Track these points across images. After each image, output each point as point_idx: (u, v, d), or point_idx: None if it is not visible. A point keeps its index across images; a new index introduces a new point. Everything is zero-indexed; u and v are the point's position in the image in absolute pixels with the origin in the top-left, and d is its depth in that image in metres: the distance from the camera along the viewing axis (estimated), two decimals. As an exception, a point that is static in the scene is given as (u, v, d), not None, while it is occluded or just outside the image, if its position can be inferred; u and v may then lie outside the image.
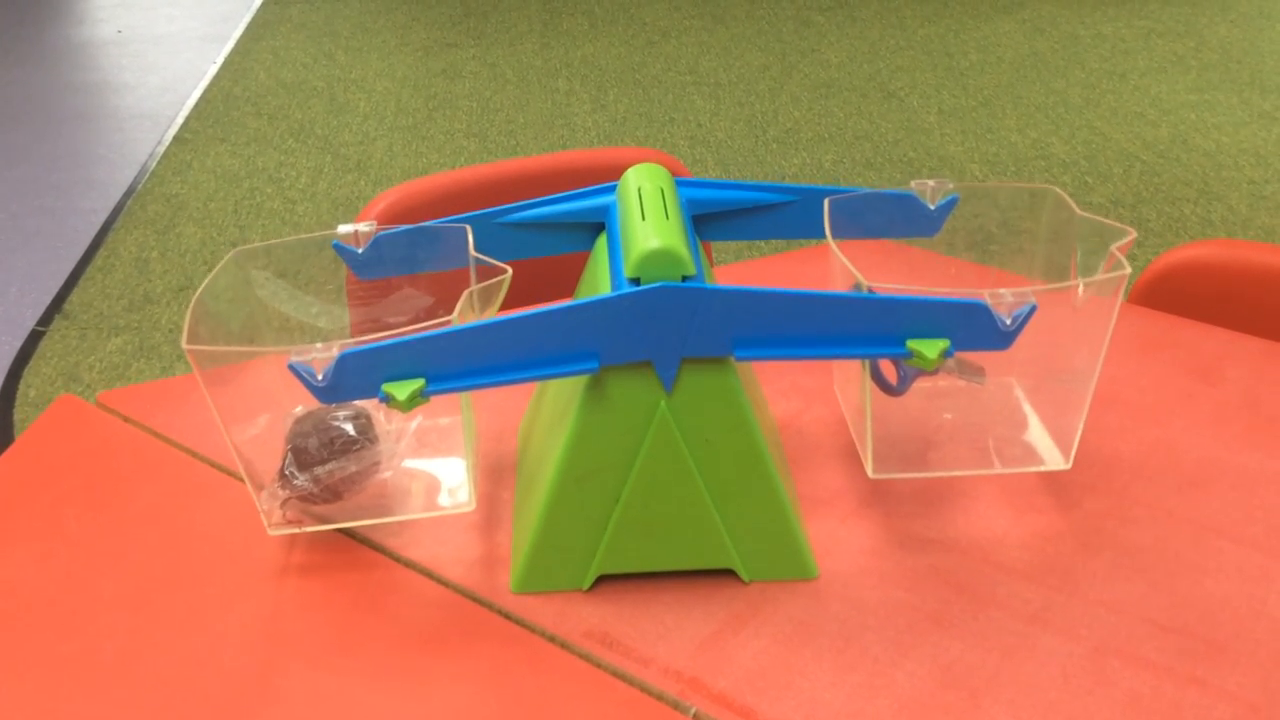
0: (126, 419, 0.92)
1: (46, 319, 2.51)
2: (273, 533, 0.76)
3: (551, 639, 0.71)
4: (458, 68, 4.04)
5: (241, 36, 4.44)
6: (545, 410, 0.80)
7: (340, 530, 0.79)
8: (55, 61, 4.27)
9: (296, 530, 0.78)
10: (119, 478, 0.86)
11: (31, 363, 2.35)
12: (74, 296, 2.60)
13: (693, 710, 0.66)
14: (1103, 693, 0.66)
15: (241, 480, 0.83)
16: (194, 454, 0.88)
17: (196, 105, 3.75)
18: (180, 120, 3.63)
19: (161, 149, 3.41)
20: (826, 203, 0.79)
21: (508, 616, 0.72)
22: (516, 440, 0.88)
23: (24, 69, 4.18)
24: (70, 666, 0.69)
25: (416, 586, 0.75)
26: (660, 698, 0.67)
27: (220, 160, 3.31)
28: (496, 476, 0.84)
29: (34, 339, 2.44)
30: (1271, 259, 1.10)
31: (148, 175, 3.23)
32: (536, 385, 0.87)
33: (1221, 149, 3.27)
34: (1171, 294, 1.11)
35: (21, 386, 2.27)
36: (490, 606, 0.73)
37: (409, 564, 0.77)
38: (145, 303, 2.55)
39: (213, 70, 4.08)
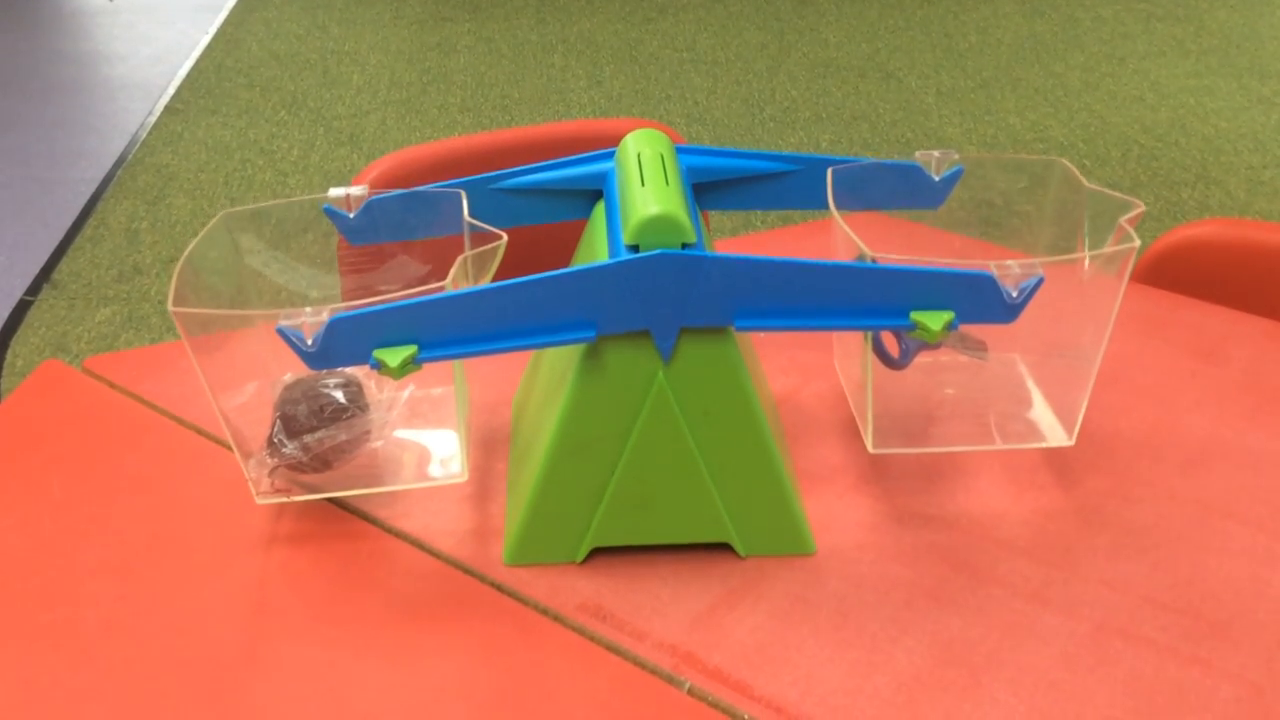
0: (112, 385, 0.90)
1: (35, 288, 2.48)
2: (260, 501, 0.75)
3: (544, 612, 0.69)
4: (452, 42, 4.00)
5: (234, 7, 4.39)
6: (540, 381, 0.79)
7: (330, 500, 0.78)
8: (46, 30, 4.22)
9: (285, 499, 0.76)
10: (104, 444, 0.84)
11: (19, 332, 2.33)
12: (63, 266, 2.57)
13: (687, 685, 0.65)
14: (1104, 672, 0.65)
15: (229, 448, 0.81)
16: (181, 421, 0.86)
17: (188, 76, 3.71)
18: (171, 91, 3.59)
19: (152, 119, 3.38)
20: (830, 173, 0.78)
21: (500, 589, 0.71)
22: (510, 411, 0.86)
23: (14, 37, 4.13)
24: (53, 635, 0.68)
25: (407, 558, 0.73)
26: (654, 672, 0.65)
27: (211, 131, 3.28)
28: (490, 447, 0.83)
29: (22, 308, 2.41)
30: (1275, 238, 1.09)
31: (138, 145, 3.20)
32: (531, 355, 0.86)
33: (1220, 134, 3.26)
34: (1174, 273, 1.10)
35: (9, 356, 2.25)
36: (482, 578, 0.72)
37: (400, 535, 0.75)
38: (134, 273, 2.53)
39: (205, 41, 4.04)
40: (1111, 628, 0.68)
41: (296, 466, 0.75)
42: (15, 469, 0.82)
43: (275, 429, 0.74)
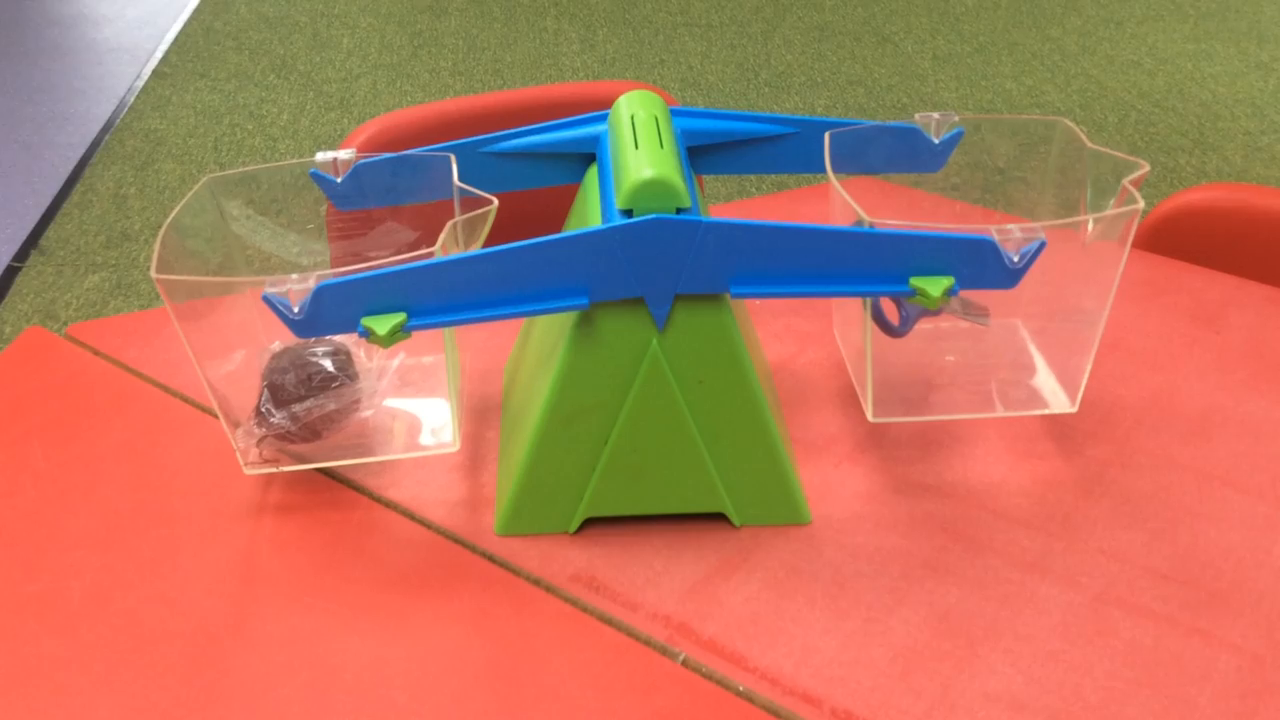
0: (96, 352, 0.89)
1: (22, 255, 2.46)
2: (249, 472, 0.74)
3: (536, 582, 0.68)
4: (444, 4, 3.95)
5: (222, -31, 4.33)
6: (532, 348, 0.77)
7: (319, 469, 0.76)
8: (31, -8, 4.16)
9: (273, 469, 0.75)
10: (89, 412, 0.83)
11: (7, 299, 2.30)
12: (50, 232, 2.54)
13: (681, 656, 0.64)
14: (1103, 642, 0.64)
15: (215, 416, 0.80)
16: (166, 389, 0.85)
17: (176, 39, 3.67)
18: (159, 54, 3.55)
19: (140, 84, 3.33)
20: (827, 137, 0.76)
21: (491, 559, 0.70)
22: (501, 379, 0.85)
23: (-2, -1, 4.07)
24: (37, 606, 0.67)
25: (398, 527, 0.72)
26: (648, 643, 0.65)
27: (200, 96, 3.24)
28: (481, 416, 0.82)
29: (9, 275, 2.39)
30: (1276, 204, 1.08)
31: (126, 110, 3.16)
32: (523, 323, 0.84)
33: (1218, 99, 3.24)
34: (1174, 239, 1.08)
35: (-3, 323, 2.23)
36: (474, 549, 0.71)
37: (390, 504, 0.74)
38: (123, 239, 2.50)
39: (193, 4, 3.99)
40: (1110, 597, 0.67)
41: (285, 436, 0.73)
42: (-2, 438, 0.81)
43: (263, 398, 0.72)
